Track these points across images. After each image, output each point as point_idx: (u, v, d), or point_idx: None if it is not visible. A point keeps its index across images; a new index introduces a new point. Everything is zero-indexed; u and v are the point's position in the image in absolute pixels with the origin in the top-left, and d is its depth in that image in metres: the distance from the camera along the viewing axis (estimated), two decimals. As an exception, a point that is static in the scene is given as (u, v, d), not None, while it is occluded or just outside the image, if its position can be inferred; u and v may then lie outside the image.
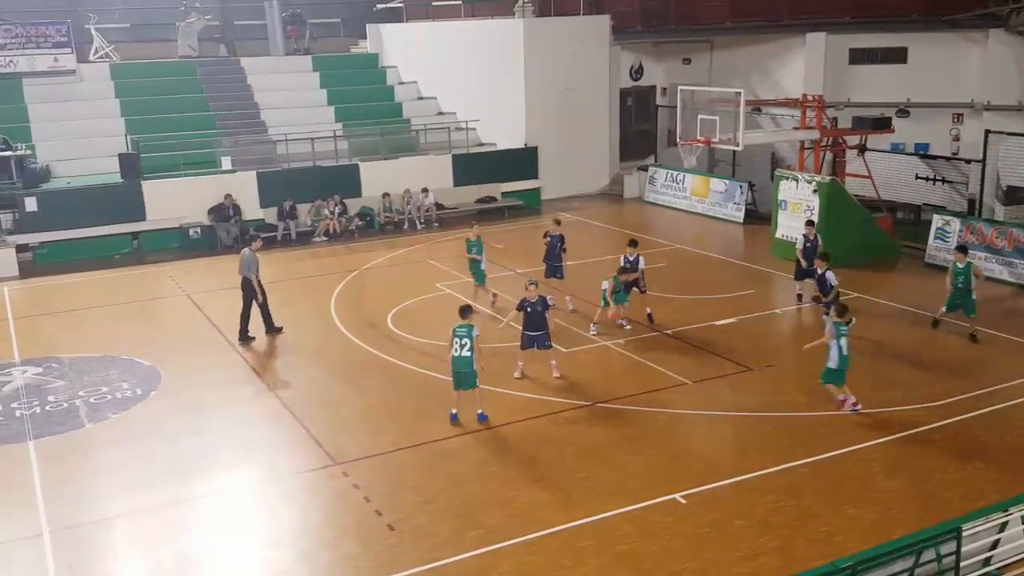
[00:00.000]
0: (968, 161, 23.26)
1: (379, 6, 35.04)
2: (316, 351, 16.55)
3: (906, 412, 13.14)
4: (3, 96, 27.00)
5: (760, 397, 13.87)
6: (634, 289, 16.81)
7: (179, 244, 24.37)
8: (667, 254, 22.21)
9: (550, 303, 14.72)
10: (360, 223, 25.72)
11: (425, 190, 26.38)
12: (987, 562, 9.03)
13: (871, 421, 12.91)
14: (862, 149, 22.43)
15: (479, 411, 13.20)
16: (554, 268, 18.03)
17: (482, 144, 29.71)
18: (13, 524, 10.90)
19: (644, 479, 11.45)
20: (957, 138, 25.40)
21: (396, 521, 10.66)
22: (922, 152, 24.78)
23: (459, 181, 27.77)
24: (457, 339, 12.79)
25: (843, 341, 12.82)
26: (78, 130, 26.68)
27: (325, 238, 24.98)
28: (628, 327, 16.77)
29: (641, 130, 31.96)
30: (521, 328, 14.46)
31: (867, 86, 26.59)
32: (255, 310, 17.14)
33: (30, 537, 10.60)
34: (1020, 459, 11.78)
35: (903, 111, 25.69)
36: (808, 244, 17.69)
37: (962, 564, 8.69)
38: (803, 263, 17.79)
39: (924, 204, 23.89)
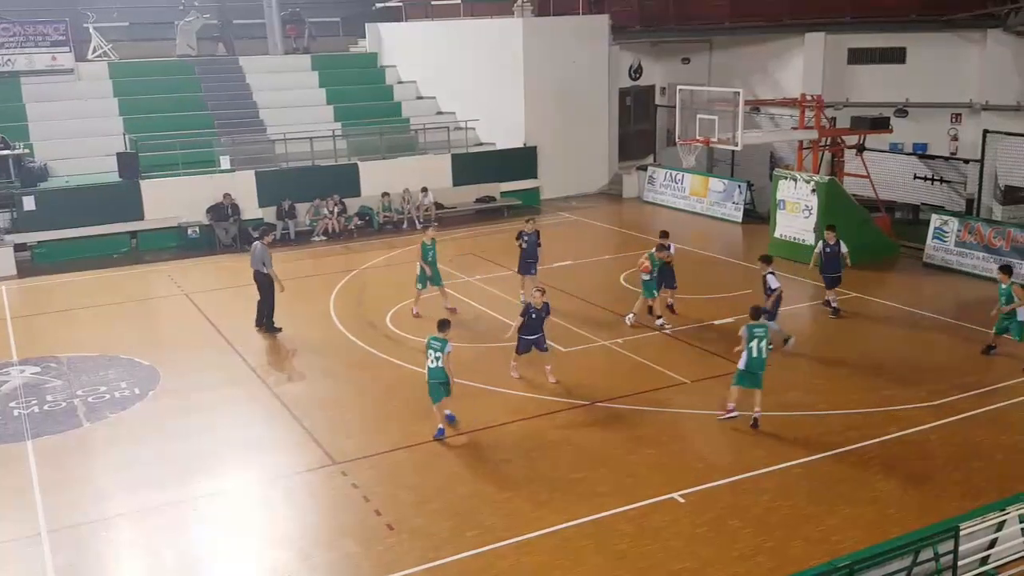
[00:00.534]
0: (966, 161, 23.28)
1: (378, 5, 34.99)
2: (315, 351, 16.55)
3: (903, 412, 13.16)
4: (1, 95, 26.95)
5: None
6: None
7: (177, 243, 24.34)
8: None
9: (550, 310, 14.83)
10: (359, 223, 25.70)
11: (424, 190, 26.37)
12: (984, 561, 9.05)
13: (868, 421, 12.93)
14: (860, 149, 22.45)
15: (447, 412, 13.02)
16: (529, 265, 18.11)
17: (481, 144, 29.70)
18: (11, 524, 10.91)
19: (642, 478, 11.47)
20: (955, 138, 25.43)
21: (395, 521, 10.67)
22: (920, 152, 24.80)
23: (458, 181, 27.76)
24: (432, 351, 12.61)
25: (755, 343, 12.75)
26: (76, 129, 26.63)
27: (324, 238, 24.97)
28: (668, 328, 16.76)
29: (640, 130, 31.96)
30: (519, 333, 14.43)
31: (865, 86, 26.62)
32: (253, 308, 17.14)
33: (28, 537, 10.60)
34: (1017, 459, 11.80)
35: (901, 111, 25.71)
36: (828, 250, 17.32)
37: (959, 563, 8.71)
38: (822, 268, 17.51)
39: (922, 204, 23.91)
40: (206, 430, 13.36)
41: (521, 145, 28.88)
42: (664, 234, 17.61)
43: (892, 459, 11.82)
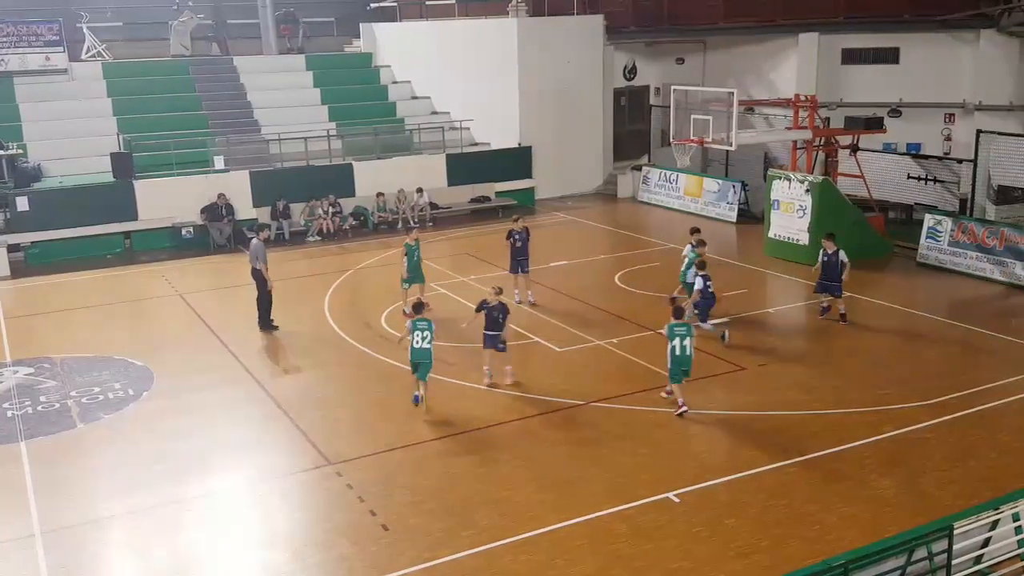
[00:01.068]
0: (960, 161, 23.36)
1: (373, 5, 34.96)
2: (310, 351, 16.52)
3: (898, 411, 13.18)
4: (-5, 95, 26.95)
5: (753, 396, 13.90)
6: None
7: (171, 244, 24.29)
8: (660, 254, 22.22)
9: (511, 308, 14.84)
10: (354, 223, 25.68)
11: (419, 190, 26.36)
12: (978, 560, 9.05)
13: (863, 420, 12.95)
14: (854, 149, 22.49)
15: (416, 393, 13.63)
16: (521, 263, 18.12)
17: (476, 144, 29.69)
18: (4, 525, 10.87)
19: (637, 478, 11.47)
20: (949, 138, 25.51)
21: (390, 521, 10.66)
22: (914, 152, 24.86)
23: (453, 181, 27.74)
24: (419, 332, 13.28)
25: (677, 341, 12.97)
26: (70, 129, 26.58)
27: (319, 238, 24.94)
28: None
29: (635, 130, 31.98)
30: (483, 328, 14.36)
31: (859, 86, 26.69)
32: (247, 308, 17.10)
33: (22, 538, 10.57)
34: (1011, 457, 11.83)
35: (895, 111, 25.78)
36: (826, 259, 16.90)
37: (953, 562, 8.71)
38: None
39: (916, 204, 23.96)
40: (200, 431, 13.33)
41: (516, 145, 28.88)
42: (696, 230, 17.84)
43: (887, 458, 11.84)
